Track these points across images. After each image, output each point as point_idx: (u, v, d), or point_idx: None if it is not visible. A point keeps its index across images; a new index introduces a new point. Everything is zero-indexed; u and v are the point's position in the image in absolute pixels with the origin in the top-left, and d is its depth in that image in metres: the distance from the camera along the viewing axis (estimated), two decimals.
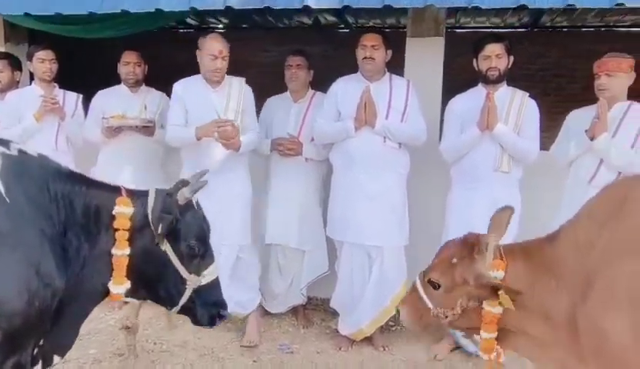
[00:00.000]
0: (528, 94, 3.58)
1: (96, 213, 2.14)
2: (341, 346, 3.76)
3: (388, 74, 3.71)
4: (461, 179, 3.61)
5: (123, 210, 2.15)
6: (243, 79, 3.70)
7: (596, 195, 1.89)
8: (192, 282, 2.23)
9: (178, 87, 3.64)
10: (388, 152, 3.58)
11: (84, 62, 6.68)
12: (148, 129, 3.98)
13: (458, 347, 3.72)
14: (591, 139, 3.30)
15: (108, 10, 3.69)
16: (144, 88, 4.24)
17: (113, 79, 4.26)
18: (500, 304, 1.86)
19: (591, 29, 7.79)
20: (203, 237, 2.26)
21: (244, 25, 8.44)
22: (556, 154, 3.54)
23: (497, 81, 3.50)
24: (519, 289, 1.84)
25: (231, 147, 3.49)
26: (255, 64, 7.88)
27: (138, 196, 2.21)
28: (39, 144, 3.68)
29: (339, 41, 7.74)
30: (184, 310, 2.32)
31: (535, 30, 7.85)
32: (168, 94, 4.21)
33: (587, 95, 3.74)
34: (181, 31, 8.34)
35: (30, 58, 4.04)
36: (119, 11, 3.66)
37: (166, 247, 2.17)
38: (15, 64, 4.29)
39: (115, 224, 2.14)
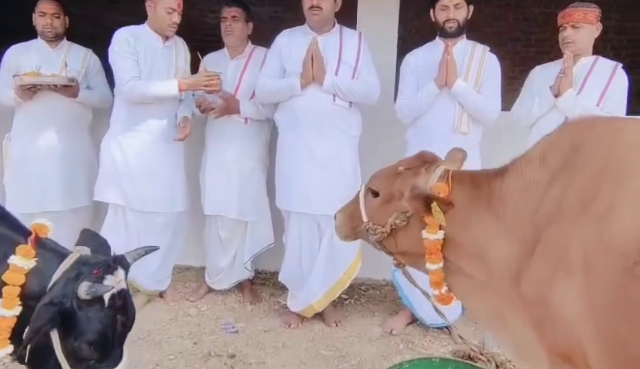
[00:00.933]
0: (488, 48, 3.25)
1: None
2: (290, 323, 3.42)
3: (337, 25, 3.31)
4: (417, 141, 3.21)
5: (18, 262, 1.69)
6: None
7: (549, 136, 1.55)
8: None
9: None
10: (337, 112, 3.20)
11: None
12: (69, 89, 3.47)
13: (414, 321, 3.45)
14: (556, 96, 3.03)
15: None
16: (65, 42, 3.71)
17: (31, 33, 3.71)
18: (432, 223, 1.59)
19: None
20: (100, 342, 1.74)
21: None
22: (518, 114, 3.23)
23: (456, 33, 3.16)
24: (451, 205, 1.55)
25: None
26: (201, 26, 7.35)
27: (50, 253, 1.75)
28: None
29: (290, 2, 7.29)
30: None
31: None
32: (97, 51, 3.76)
33: (542, 59, 3.48)
34: None
35: None
36: None
37: (54, 334, 1.69)
38: None
39: (5, 277, 1.68)
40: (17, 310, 1.68)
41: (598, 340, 1.22)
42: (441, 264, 1.65)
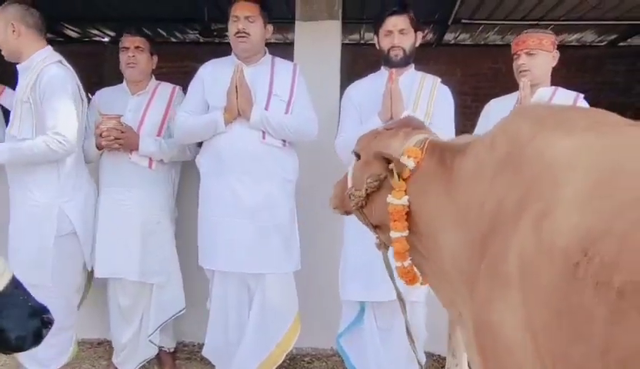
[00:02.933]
0: (440, 79, 2.82)
1: None
2: None
3: (269, 55, 2.83)
4: None
5: None
6: None
7: (503, 119, 1.36)
8: None
9: None
10: (269, 152, 2.66)
11: None
12: None
13: None
14: None
15: None
16: None
17: None
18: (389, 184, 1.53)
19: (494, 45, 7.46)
20: None
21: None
22: None
23: (402, 63, 2.71)
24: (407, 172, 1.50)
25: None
26: None
27: None
28: None
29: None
30: None
31: (440, 47, 7.42)
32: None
33: None
34: None
35: None
36: None
37: None
38: None
39: None
40: None
41: (540, 362, 1.06)
42: (404, 233, 1.54)
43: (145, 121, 2.92)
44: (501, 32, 6.96)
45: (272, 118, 2.63)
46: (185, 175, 3.11)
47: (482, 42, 7.52)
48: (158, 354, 3.05)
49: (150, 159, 2.87)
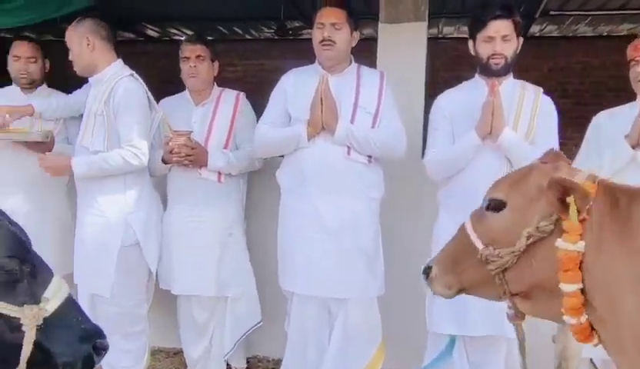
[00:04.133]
0: (541, 89, 2.51)
1: None
2: None
3: (355, 64, 2.62)
4: (452, 204, 2.43)
5: None
6: None
7: None
8: (31, 317, 1.32)
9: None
10: (353, 168, 2.46)
11: None
12: (43, 145, 2.85)
13: None
14: (634, 147, 2.26)
15: None
16: (43, 89, 3.12)
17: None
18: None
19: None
20: (19, 248, 1.39)
21: (209, 38, 7.41)
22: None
23: (502, 72, 2.42)
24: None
25: None
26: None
27: None
28: None
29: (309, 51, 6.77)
30: None
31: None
32: None
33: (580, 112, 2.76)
34: None
35: None
36: None
37: None
38: None
39: None
40: None
41: None
42: (579, 285, 1.21)
43: (212, 133, 2.81)
44: (593, 23, 6.40)
45: (358, 132, 2.42)
46: (254, 185, 2.99)
47: (571, 34, 6.95)
48: None
49: (219, 172, 2.76)
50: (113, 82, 2.61)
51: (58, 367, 1.40)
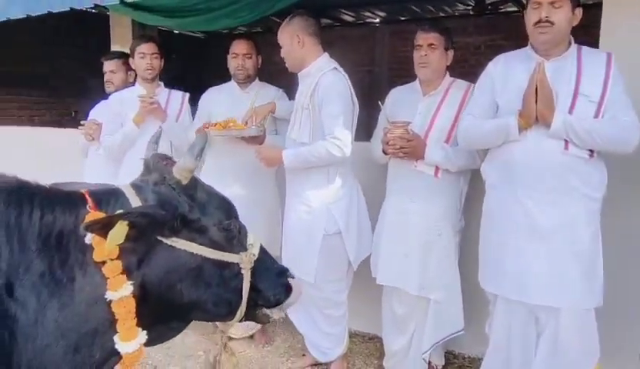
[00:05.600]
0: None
1: (59, 245, 1.30)
2: None
3: (574, 46, 2.29)
4: None
5: None
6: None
7: None
8: (247, 261, 1.59)
9: None
10: (571, 165, 2.17)
11: (200, 58, 6.09)
12: (256, 138, 3.08)
13: None
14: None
15: None
16: (256, 83, 3.35)
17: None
18: None
19: None
20: (230, 208, 1.63)
21: (401, 18, 7.31)
22: None
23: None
24: None
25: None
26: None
27: (107, 200, 1.43)
28: (140, 151, 3.00)
29: (508, 27, 6.23)
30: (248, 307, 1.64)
31: None
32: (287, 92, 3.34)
33: None
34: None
35: (132, 53, 3.38)
36: None
37: (190, 247, 1.47)
38: (130, 64, 3.66)
39: (97, 256, 1.32)
40: (127, 288, 1.37)
41: None
42: None
43: (433, 126, 2.68)
44: None
45: (578, 124, 2.12)
46: (474, 182, 2.80)
47: None
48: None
49: (436, 167, 2.64)
50: (318, 76, 2.69)
51: (270, 299, 1.69)
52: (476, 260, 2.46)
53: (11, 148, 4.96)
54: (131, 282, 1.38)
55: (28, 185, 1.36)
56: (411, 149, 2.60)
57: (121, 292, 1.36)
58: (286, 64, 2.83)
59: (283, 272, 1.75)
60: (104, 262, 1.34)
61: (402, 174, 2.73)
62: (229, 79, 3.38)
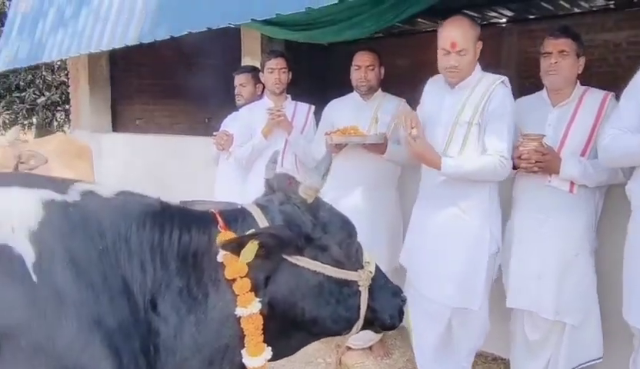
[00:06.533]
0: None
1: (195, 264, 1.39)
2: None
3: None
4: None
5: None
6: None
7: None
8: (364, 279, 1.60)
9: None
10: None
11: (327, 70, 6.16)
12: (378, 146, 3.05)
13: None
14: None
15: (324, 3, 2.88)
16: (378, 94, 3.32)
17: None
18: None
19: None
20: (350, 227, 1.64)
21: (530, 16, 6.87)
22: None
23: None
24: None
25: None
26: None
27: (236, 220, 1.49)
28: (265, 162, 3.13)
29: None
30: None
31: None
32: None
33: None
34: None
35: (262, 68, 3.52)
36: (336, 1, 2.81)
37: (313, 265, 1.50)
38: (259, 78, 3.82)
39: (228, 274, 1.39)
40: (257, 303, 1.41)
41: None
42: None
43: (567, 138, 2.47)
44: None
45: None
46: (608, 196, 2.56)
47: None
48: None
49: (571, 182, 2.42)
50: (489, 89, 2.45)
51: (386, 321, 1.67)
52: (610, 284, 2.21)
53: (155, 154, 5.46)
54: (259, 299, 1.42)
55: (169, 207, 1.45)
56: (546, 164, 2.39)
57: (250, 309, 1.41)
58: (450, 74, 2.50)
59: (397, 292, 1.74)
60: (234, 280, 1.40)
61: (533, 189, 2.52)
62: (349, 89, 3.39)
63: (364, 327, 1.66)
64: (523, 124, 2.55)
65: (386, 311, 1.68)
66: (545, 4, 6.42)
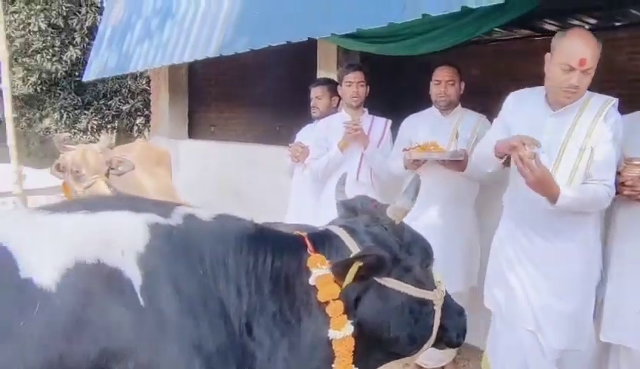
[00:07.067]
0: None
1: (287, 288, 1.41)
2: None
3: None
4: None
5: (324, 273, 1.40)
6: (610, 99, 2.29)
7: None
8: (439, 298, 1.65)
9: None
10: None
11: (406, 85, 6.06)
12: (457, 163, 2.98)
13: None
14: None
15: (408, 18, 2.83)
16: (458, 109, 3.24)
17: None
18: None
19: None
20: (429, 248, 1.68)
21: (616, 23, 6.48)
22: None
23: None
24: None
25: None
26: (629, 70, 5.93)
27: (323, 243, 1.51)
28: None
29: None
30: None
31: None
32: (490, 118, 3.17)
33: None
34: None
35: (340, 81, 3.52)
36: (420, 16, 2.76)
37: (398, 286, 1.53)
38: (335, 90, 3.83)
39: (322, 296, 1.40)
40: (349, 325, 1.43)
41: None
42: None
43: None
44: None
45: None
46: None
47: None
48: None
49: None
50: (596, 111, 2.26)
51: (453, 339, 1.73)
52: None
53: (228, 160, 5.60)
54: (351, 321, 1.42)
55: (262, 230, 1.47)
56: None
57: (343, 332, 1.42)
58: (567, 94, 2.24)
59: (462, 312, 1.80)
60: (327, 302, 1.40)
61: (634, 216, 2.33)
62: (422, 102, 3.32)
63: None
64: (625, 145, 2.34)
65: (454, 329, 1.74)
66: (635, 12, 6.03)
